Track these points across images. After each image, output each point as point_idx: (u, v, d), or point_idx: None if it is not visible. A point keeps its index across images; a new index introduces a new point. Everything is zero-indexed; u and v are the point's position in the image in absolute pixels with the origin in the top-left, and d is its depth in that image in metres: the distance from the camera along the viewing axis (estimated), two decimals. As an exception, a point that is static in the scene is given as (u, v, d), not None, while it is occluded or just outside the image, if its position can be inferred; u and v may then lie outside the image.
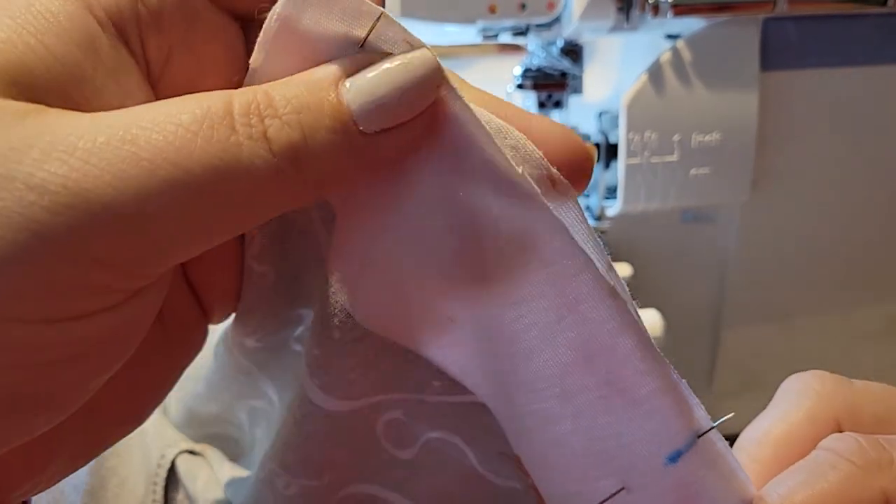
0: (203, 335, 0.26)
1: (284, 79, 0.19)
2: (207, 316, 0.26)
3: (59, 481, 0.21)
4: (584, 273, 0.20)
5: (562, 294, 0.20)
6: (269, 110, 0.17)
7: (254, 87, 0.18)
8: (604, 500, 0.20)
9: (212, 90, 0.19)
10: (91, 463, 0.33)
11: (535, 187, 0.20)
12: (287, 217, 0.26)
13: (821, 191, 0.57)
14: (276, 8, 0.19)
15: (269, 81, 0.19)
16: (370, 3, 0.19)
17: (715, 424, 0.20)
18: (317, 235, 0.26)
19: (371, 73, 0.18)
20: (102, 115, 0.17)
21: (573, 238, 0.20)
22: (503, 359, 0.21)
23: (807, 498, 0.19)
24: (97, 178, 0.15)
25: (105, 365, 0.19)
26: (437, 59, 0.19)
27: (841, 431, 0.22)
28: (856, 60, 0.53)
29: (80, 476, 0.33)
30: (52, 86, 0.17)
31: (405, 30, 0.19)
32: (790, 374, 0.24)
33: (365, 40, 0.19)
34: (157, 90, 0.20)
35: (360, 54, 0.19)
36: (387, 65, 0.18)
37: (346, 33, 0.19)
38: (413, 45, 0.19)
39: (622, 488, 0.20)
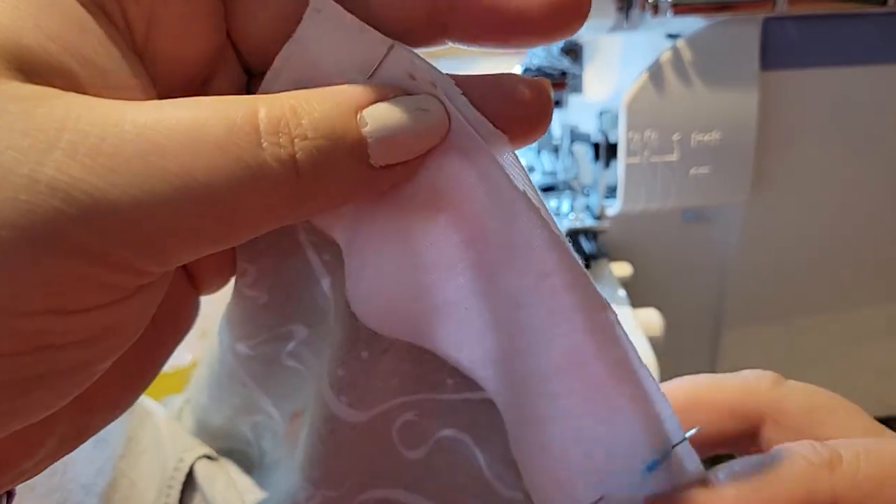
0: (192, 311, 0.26)
1: (307, 94, 0.19)
2: (197, 287, 0.26)
3: (44, 469, 0.21)
4: (580, 287, 0.20)
5: (559, 303, 0.20)
6: (297, 130, 0.17)
7: (279, 97, 0.18)
8: None
9: (195, 57, 0.20)
10: (101, 465, 0.34)
11: (531, 201, 0.20)
12: (277, 246, 0.27)
13: (821, 190, 0.57)
14: (295, 36, 0.20)
15: (288, 90, 0.19)
16: (380, 35, 0.20)
17: (687, 436, 0.21)
18: (308, 258, 0.27)
19: (388, 112, 0.19)
20: (120, 111, 0.16)
21: (571, 252, 0.20)
22: (508, 353, 0.22)
23: (757, 482, 0.19)
24: (123, 190, 0.15)
25: (112, 350, 0.19)
26: (447, 109, 0.20)
27: (764, 424, 0.23)
28: (856, 60, 0.53)
29: (90, 477, 0.34)
30: (54, 67, 0.17)
31: (412, 62, 0.20)
32: (791, 374, 0.24)
33: (375, 70, 0.20)
34: (144, 59, 0.19)
35: (378, 84, 0.20)
36: (405, 106, 0.19)
37: (358, 61, 0.20)
38: (415, 77, 0.20)
39: (601, 497, 0.21)
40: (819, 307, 0.62)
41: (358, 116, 0.18)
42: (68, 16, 0.17)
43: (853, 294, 0.62)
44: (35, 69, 0.16)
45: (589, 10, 0.20)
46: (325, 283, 0.27)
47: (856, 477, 0.19)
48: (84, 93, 0.17)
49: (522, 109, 0.21)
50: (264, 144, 0.17)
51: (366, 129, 0.18)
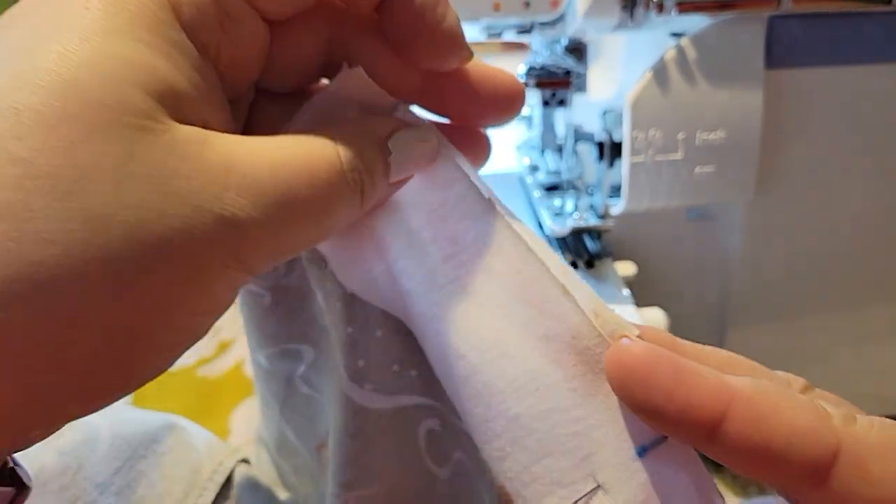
0: None
1: (352, 132, 0.23)
2: None
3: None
4: (544, 276, 0.22)
5: (530, 295, 0.22)
6: (360, 166, 0.22)
7: (343, 139, 0.22)
8: (579, 499, 0.21)
9: (244, 88, 0.24)
10: (119, 465, 0.35)
11: (495, 205, 0.24)
12: None
13: (826, 189, 0.57)
14: (329, 87, 0.25)
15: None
16: (390, 96, 0.25)
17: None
18: (304, 267, 0.29)
19: (403, 143, 0.24)
20: (258, 151, 0.20)
21: (531, 248, 0.23)
22: (482, 368, 0.22)
23: (771, 395, 0.20)
24: (271, 219, 0.19)
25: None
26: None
27: None
28: (861, 59, 0.52)
29: (105, 476, 0.35)
30: (193, 107, 0.19)
31: (412, 116, 0.26)
32: (795, 374, 0.24)
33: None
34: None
35: (392, 119, 0.25)
36: (412, 138, 0.24)
37: (373, 110, 0.26)
38: (412, 125, 0.25)
39: (597, 486, 0.20)
40: (824, 306, 0.62)
41: (383, 147, 0.23)
42: (192, 58, 0.20)
43: (858, 293, 0.62)
44: (182, 110, 0.19)
45: (524, 102, 0.27)
46: (320, 296, 0.29)
47: (864, 438, 0.19)
48: (206, 126, 0.20)
49: (478, 148, 0.29)
50: (348, 182, 0.22)
51: (390, 158, 0.23)
